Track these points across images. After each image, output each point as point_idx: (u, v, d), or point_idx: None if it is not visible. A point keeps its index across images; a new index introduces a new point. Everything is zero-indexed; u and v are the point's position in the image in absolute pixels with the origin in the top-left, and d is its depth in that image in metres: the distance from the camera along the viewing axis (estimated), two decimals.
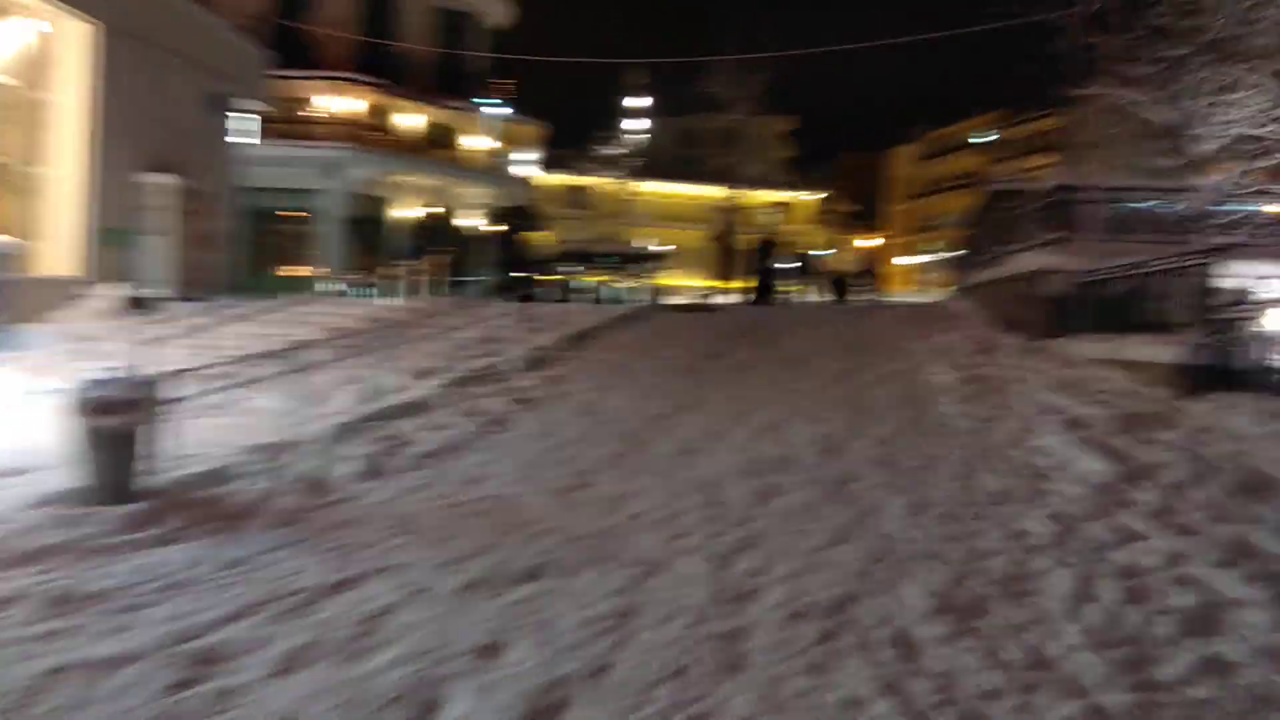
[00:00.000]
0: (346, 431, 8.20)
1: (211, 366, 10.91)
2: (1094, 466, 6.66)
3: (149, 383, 6.38)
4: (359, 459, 7.42)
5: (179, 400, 9.23)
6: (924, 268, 67.76)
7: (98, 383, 6.03)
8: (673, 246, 40.53)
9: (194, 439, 8.92)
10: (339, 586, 4.83)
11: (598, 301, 15.35)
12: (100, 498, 6.03)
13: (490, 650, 4.02)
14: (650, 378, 10.92)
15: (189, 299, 16.21)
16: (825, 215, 61.20)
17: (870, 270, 25.35)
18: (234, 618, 4.35)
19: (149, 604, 4.52)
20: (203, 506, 6.27)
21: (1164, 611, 4.38)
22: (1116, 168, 24.30)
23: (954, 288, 21.08)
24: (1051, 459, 7.17)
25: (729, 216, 32.27)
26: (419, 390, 10.00)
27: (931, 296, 42.35)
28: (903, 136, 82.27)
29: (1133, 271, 10.79)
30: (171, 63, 17.36)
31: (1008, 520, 5.87)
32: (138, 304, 14.34)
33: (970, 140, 69.67)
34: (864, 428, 8.42)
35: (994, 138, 69.98)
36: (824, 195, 60.25)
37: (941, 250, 70.09)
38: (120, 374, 6.12)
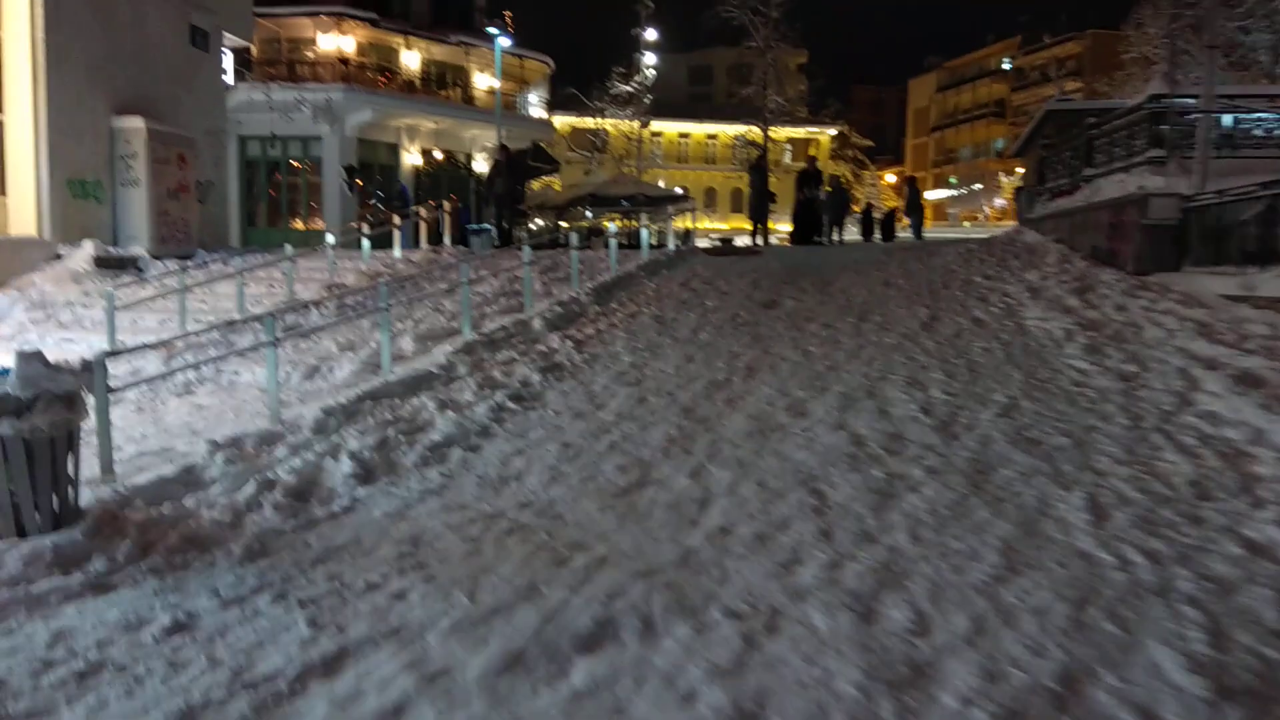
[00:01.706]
0: (344, 414, 6.68)
1: (189, 335, 9.37)
2: None
3: (76, 369, 4.81)
4: (359, 452, 5.90)
5: (141, 381, 7.74)
6: (949, 201, 65.56)
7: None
8: (681, 189, 38.73)
9: (159, 429, 7.45)
10: (327, 668, 3.35)
11: (622, 247, 13.65)
12: (13, 526, 4.54)
13: None
14: (698, 334, 9.33)
15: (177, 257, 14.65)
16: (841, 151, 58.90)
17: (918, 203, 23.31)
18: None
19: (54, 704, 3.06)
20: (157, 528, 4.79)
21: None
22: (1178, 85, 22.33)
23: (1017, 219, 19.24)
24: (1240, 429, 5.60)
25: (762, 150, 30.29)
26: (430, 358, 8.46)
27: (978, 230, 40.37)
28: (917, 68, 79.34)
29: (1262, 193, 9.07)
30: None
31: (1233, 524, 4.31)
32: (108, 264, 12.79)
33: (1001, 66, 66.71)
34: (979, 392, 6.84)
35: (1008, 66, 67.20)
36: (839, 130, 57.89)
37: (957, 184, 67.97)
38: (31, 358, 4.57)
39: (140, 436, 7.19)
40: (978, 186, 65.67)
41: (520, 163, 19.33)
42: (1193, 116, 11.01)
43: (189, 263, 13.98)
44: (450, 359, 8.29)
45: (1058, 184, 14.90)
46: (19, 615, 3.88)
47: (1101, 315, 8.98)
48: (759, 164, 18.87)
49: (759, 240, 17.99)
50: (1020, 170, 55.27)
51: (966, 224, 56.76)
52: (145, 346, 7.63)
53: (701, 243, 27.46)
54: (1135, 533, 4.31)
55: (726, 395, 7.13)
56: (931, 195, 61.66)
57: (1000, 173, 61.71)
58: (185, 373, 8.64)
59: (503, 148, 17.06)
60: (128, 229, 14.76)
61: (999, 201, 62.20)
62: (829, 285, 11.78)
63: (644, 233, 14.60)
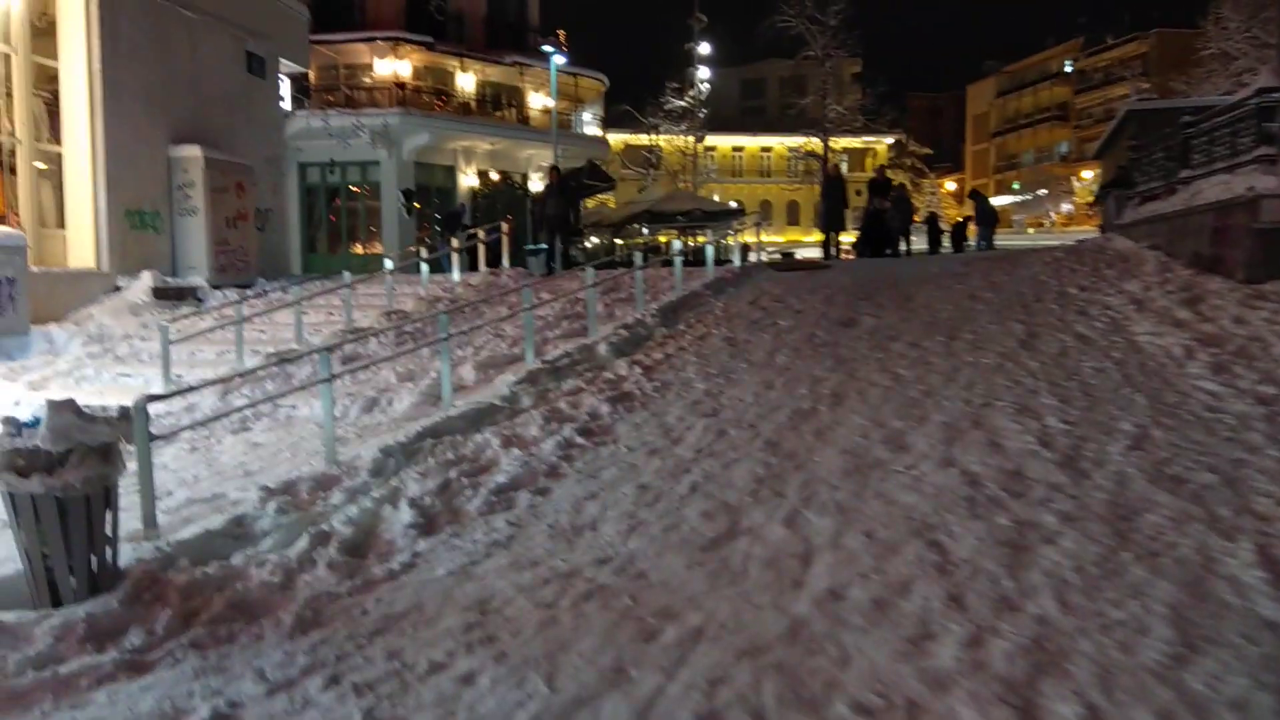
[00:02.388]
0: (404, 454, 6.23)
1: (247, 373, 9.05)
2: None
3: (113, 417, 4.41)
4: (419, 498, 5.42)
5: (184, 427, 7.40)
6: (1014, 207, 63.79)
7: (21, 424, 4.09)
8: (736, 202, 38.11)
9: (211, 470, 7.08)
10: None
11: (688, 263, 13.13)
12: (47, 593, 4.14)
13: None
14: (775, 357, 8.73)
15: (237, 286, 14.50)
16: (899, 159, 57.74)
17: (991, 212, 22.30)
18: None
19: None
20: (201, 593, 4.36)
21: None
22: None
23: (1102, 225, 18.26)
24: None
25: (831, 159, 29.56)
26: (492, 389, 8.00)
27: (1046, 237, 38.94)
28: (973, 74, 77.61)
29: None
30: (201, 21, 15.53)
31: None
32: (167, 295, 12.63)
33: (1063, 68, 64.90)
34: (1100, 420, 6.13)
35: (1069, 68, 65.32)
36: (896, 138, 56.77)
37: (1021, 190, 66.07)
38: (62, 408, 4.17)
39: (192, 479, 6.83)
40: (1043, 192, 63.83)
41: (572, 183, 18.97)
42: None
43: (248, 291, 13.81)
44: (513, 389, 7.82)
45: (1150, 187, 13.98)
46: (44, 703, 3.45)
47: (1220, 329, 8.17)
48: (834, 173, 18.19)
49: (830, 252, 17.31)
50: (1087, 174, 53.62)
51: (1031, 230, 55.10)
52: (188, 389, 7.29)
53: (755, 256, 26.88)
54: None
55: (814, 426, 6.52)
56: (995, 202, 60.21)
57: (1069, 177, 59.87)
58: (242, 406, 8.30)
59: (553, 169, 16.68)
60: (186, 259, 14.66)
61: (1065, 206, 60.38)
62: (909, 300, 11.08)
63: (709, 249, 14.04)
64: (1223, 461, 5.21)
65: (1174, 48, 46.95)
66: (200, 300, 13.43)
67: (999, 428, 6.13)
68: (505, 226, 16.83)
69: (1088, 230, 37.60)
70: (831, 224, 17.53)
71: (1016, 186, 67.58)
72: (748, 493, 5.31)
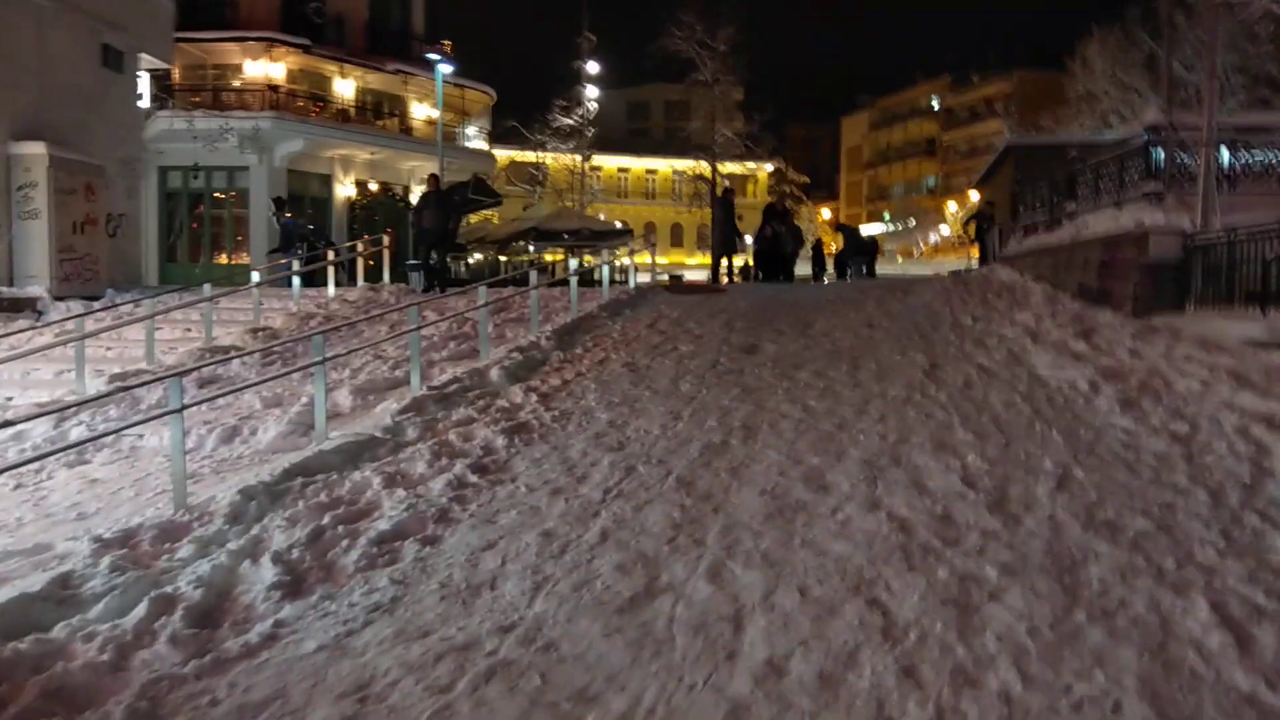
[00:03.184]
0: (268, 496, 5.46)
1: (84, 393, 8.01)
2: None
3: None
4: (285, 551, 4.69)
5: (9, 467, 6.40)
6: (885, 237, 66.01)
7: None
8: (621, 223, 37.85)
9: (38, 513, 6.11)
10: None
11: (586, 283, 12.64)
12: None
13: None
14: (679, 385, 8.29)
15: (83, 298, 13.15)
16: (778, 187, 58.89)
17: (869, 242, 22.79)
18: None
19: None
20: (10, 678, 3.56)
21: None
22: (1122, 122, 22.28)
23: (978, 257, 18.69)
24: None
25: (719, 184, 29.57)
26: (372, 418, 7.27)
27: (917, 266, 40.10)
28: (850, 106, 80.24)
29: None
30: (50, 8, 14.12)
31: None
32: (0, 307, 11.28)
33: (931, 105, 67.90)
34: (1020, 458, 5.91)
35: (937, 105, 68.39)
36: (776, 166, 57.94)
37: (891, 220, 68.63)
38: None
39: (14, 523, 5.87)
40: (913, 222, 66.44)
41: (455, 196, 17.97)
42: (1190, 150, 10.41)
43: (96, 304, 12.52)
44: (397, 419, 7.11)
45: (1033, 219, 14.31)
46: None
47: (1118, 363, 8.19)
48: (725, 197, 18.00)
49: (722, 276, 17.10)
50: (953, 206, 56.00)
51: (901, 259, 57.12)
52: (7, 424, 6.28)
53: (644, 278, 26.55)
54: None
55: (728, 463, 6.08)
56: (871, 230, 62.20)
57: (937, 209, 62.54)
58: (78, 436, 7.29)
59: (433, 177, 15.56)
60: (25, 267, 13.22)
61: (933, 237, 62.94)
62: (809, 327, 10.86)
63: (605, 269, 13.56)
64: (1153, 505, 5.02)
65: (1037, 88, 49.63)
66: (40, 313, 12.09)
67: (920, 466, 5.83)
68: (386, 240, 15.92)
69: (955, 260, 39.08)
70: (725, 248, 17.32)
71: (887, 217, 70.13)
72: (664, 540, 4.80)
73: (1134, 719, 3.08)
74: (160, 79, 23.24)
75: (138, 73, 17.93)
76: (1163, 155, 10.63)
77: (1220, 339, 8.51)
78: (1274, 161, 10.52)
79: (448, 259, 15.30)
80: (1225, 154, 10.47)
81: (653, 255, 19.42)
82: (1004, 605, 3.93)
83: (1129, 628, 3.70)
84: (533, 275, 11.13)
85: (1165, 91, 11.13)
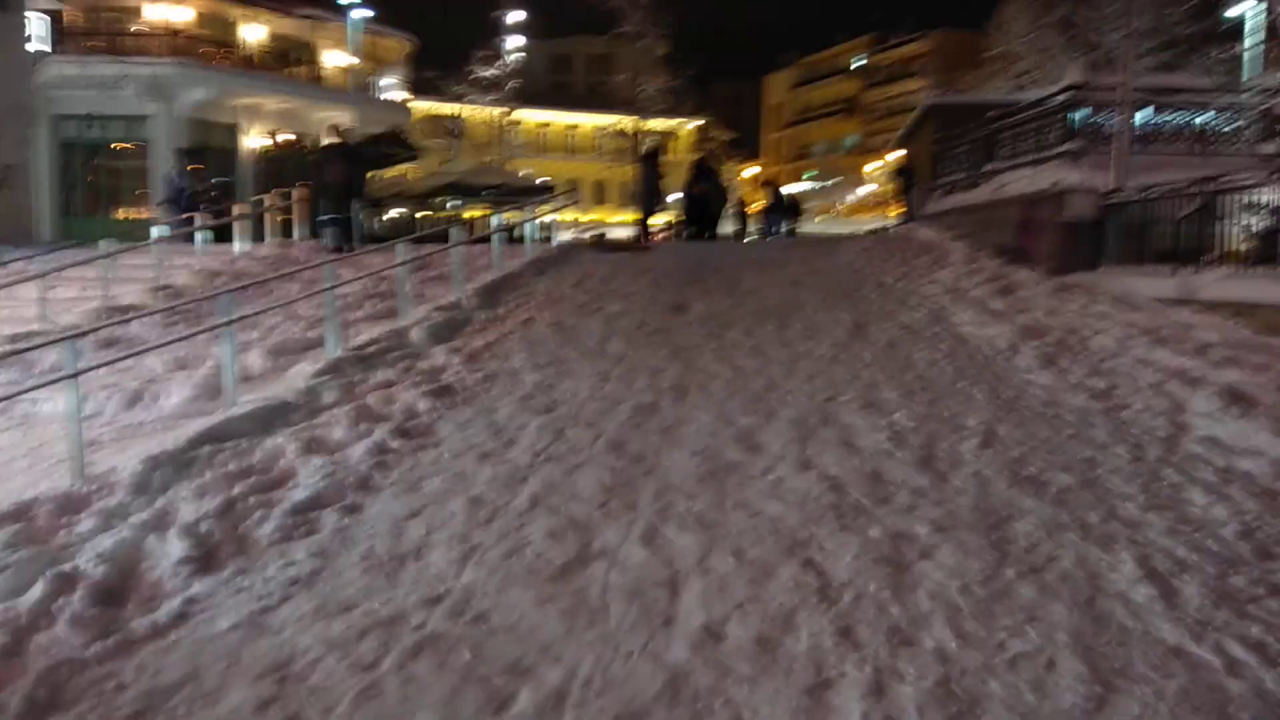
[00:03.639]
0: (175, 465, 5.17)
1: None
2: None
3: None
4: (195, 524, 4.44)
5: None
6: (807, 195, 66.56)
7: None
8: (545, 178, 37.26)
9: None
10: None
11: (507, 240, 12.34)
12: None
13: None
14: (607, 345, 8.15)
15: None
16: (703, 144, 58.72)
17: (795, 203, 22.88)
18: None
19: None
20: None
21: None
22: (1038, 82, 22.66)
23: (903, 215, 18.89)
24: (1257, 459, 4.91)
25: (653, 140, 29.22)
26: (286, 382, 6.97)
27: (838, 225, 40.44)
28: (774, 63, 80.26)
29: (1197, 190, 8.68)
30: None
31: None
32: None
33: (851, 64, 68.34)
34: (945, 415, 5.96)
35: (858, 64, 68.94)
36: (701, 123, 57.69)
37: (816, 177, 69.27)
38: None
39: None
40: (835, 180, 66.99)
41: (367, 150, 17.11)
42: (1109, 109, 10.61)
43: None
44: (312, 382, 6.82)
45: (953, 179, 14.50)
46: None
47: (1036, 321, 8.36)
48: (651, 154, 17.75)
49: (647, 234, 16.95)
50: (870, 166, 56.66)
51: (819, 219, 57.68)
52: None
53: (566, 235, 26.20)
54: (1222, 614, 3.45)
55: (659, 424, 5.99)
56: (793, 189, 62.60)
57: (857, 168, 63.08)
58: None
59: (332, 128, 14.71)
60: None
61: (850, 197, 63.61)
62: (736, 286, 10.82)
63: (528, 226, 13.27)
64: (1075, 461, 5.12)
65: (957, 48, 50.18)
66: None
67: (850, 425, 5.84)
68: (296, 194, 15.26)
69: (872, 219, 39.55)
70: (645, 206, 17.15)
71: (813, 174, 70.55)
72: (596, 505, 4.70)
73: (1068, 675, 3.10)
74: (53, 20, 21.81)
75: (25, 13, 16.71)
76: (1080, 115, 10.82)
77: (1130, 296, 8.78)
78: (1187, 122, 10.81)
79: (360, 214, 14.70)
80: (1143, 115, 10.72)
81: (581, 212, 19.12)
82: (936, 563, 3.94)
83: (1058, 583, 3.74)
84: (454, 231, 10.77)
85: (1083, 51, 11.30)
